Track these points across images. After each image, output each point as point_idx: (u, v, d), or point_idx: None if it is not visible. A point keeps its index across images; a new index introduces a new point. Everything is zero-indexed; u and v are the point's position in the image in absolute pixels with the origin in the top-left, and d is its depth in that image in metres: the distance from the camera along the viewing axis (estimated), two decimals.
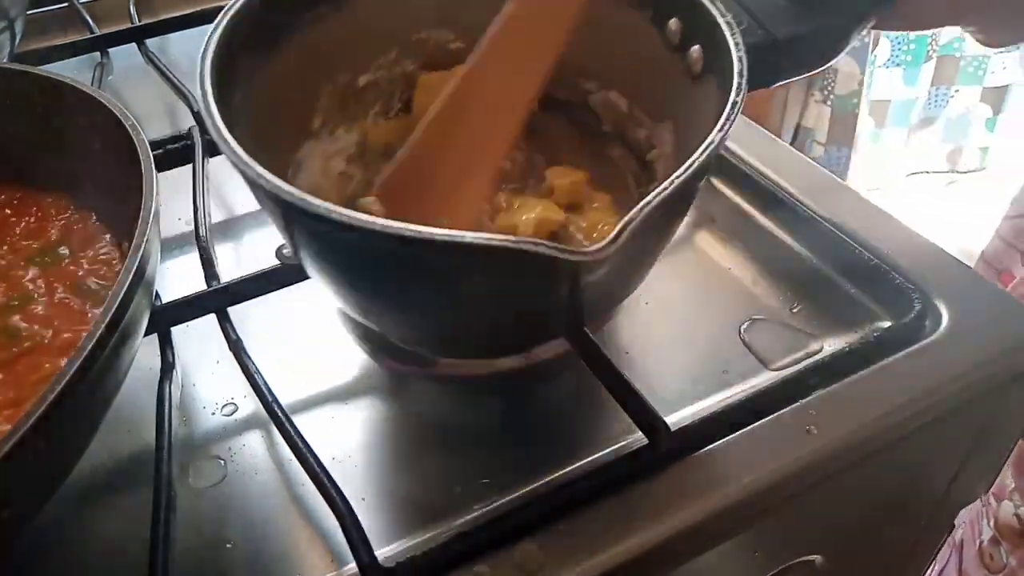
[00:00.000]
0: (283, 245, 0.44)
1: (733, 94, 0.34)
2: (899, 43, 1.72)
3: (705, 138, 0.32)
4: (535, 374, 0.42)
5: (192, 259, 0.46)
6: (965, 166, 2.02)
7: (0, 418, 0.34)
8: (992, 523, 0.63)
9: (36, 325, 0.38)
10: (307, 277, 0.43)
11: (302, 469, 0.36)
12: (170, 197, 0.47)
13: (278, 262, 0.43)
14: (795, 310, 0.45)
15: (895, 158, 1.96)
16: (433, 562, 0.33)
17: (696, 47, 0.39)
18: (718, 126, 0.33)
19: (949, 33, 1.72)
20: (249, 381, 0.39)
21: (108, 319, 0.29)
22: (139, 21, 0.68)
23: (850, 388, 0.40)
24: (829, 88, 1.80)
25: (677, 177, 0.30)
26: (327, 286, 0.37)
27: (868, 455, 0.40)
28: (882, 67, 1.78)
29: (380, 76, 0.47)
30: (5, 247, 0.42)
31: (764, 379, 0.41)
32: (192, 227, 0.46)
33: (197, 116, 0.54)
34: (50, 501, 0.32)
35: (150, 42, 0.64)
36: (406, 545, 0.35)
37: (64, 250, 0.41)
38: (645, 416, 0.37)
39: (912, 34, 1.66)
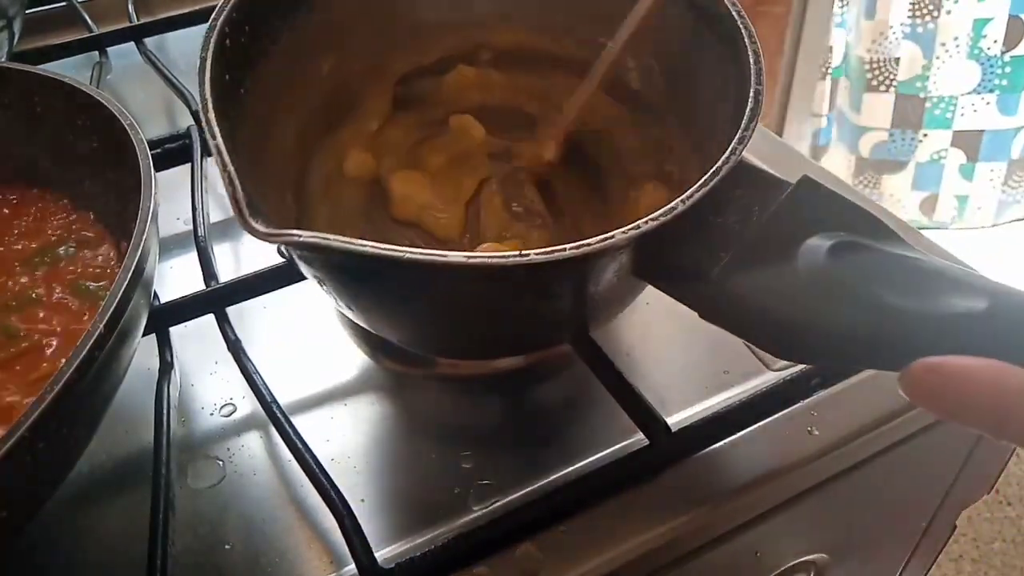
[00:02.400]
0: None
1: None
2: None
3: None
4: (535, 374, 0.42)
5: (191, 259, 0.45)
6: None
7: None
8: None
9: (34, 325, 0.38)
10: (306, 277, 0.43)
11: (301, 470, 0.35)
12: (169, 197, 0.47)
13: (276, 262, 0.43)
14: None
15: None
16: (433, 563, 0.33)
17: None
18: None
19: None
20: (248, 381, 0.39)
21: (106, 319, 0.29)
22: (137, 20, 0.67)
23: (851, 389, 0.40)
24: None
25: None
26: (350, 309, 0.37)
27: (870, 456, 0.40)
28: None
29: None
30: (3, 247, 0.42)
31: (765, 380, 0.41)
32: (191, 227, 0.46)
33: (196, 115, 0.54)
34: (49, 501, 0.32)
35: (148, 41, 0.64)
36: (405, 546, 0.35)
37: (62, 250, 0.41)
38: (646, 417, 0.36)
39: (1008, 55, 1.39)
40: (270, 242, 0.28)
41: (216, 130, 0.33)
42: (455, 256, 0.28)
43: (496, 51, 0.48)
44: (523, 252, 0.28)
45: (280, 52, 0.41)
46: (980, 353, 0.25)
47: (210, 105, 0.33)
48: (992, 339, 0.26)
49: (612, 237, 0.29)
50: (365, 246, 0.28)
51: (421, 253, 0.28)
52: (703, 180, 0.31)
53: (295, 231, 0.28)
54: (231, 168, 0.31)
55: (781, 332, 0.30)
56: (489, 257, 0.29)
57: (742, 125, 0.33)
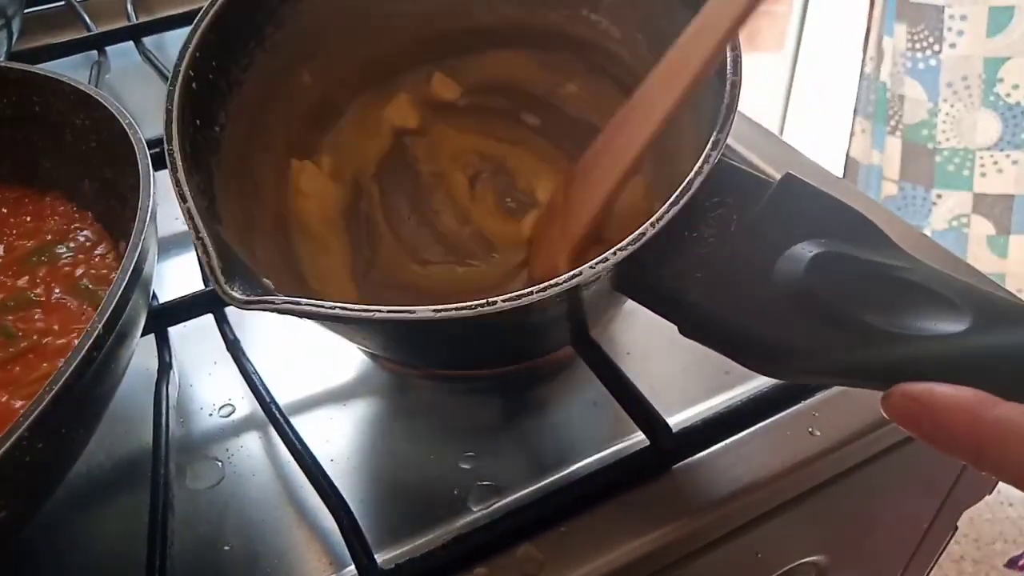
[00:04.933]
0: None
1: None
2: None
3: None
4: (535, 374, 0.42)
5: (189, 259, 0.45)
6: None
7: None
8: None
9: (33, 325, 0.37)
10: None
11: (300, 471, 0.35)
12: (167, 196, 0.47)
13: None
14: None
15: None
16: (432, 564, 0.33)
17: None
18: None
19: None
20: (247, 382, 0.39)
21: (105, 319, 0.29)
22: (136, 19, 0.67)
23: (852, 390, 0.39)
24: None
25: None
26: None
27: (870, 457, 0.39)
28: None
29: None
30: (1, 247, 0.41)
31: (766, 380, 0.41)
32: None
33: None
34: (48, 501, 0.32)
35: (147, 40, 0.64)
36: (405, 547, 0.35)
37: (61, 250, 0.41)
38: (646, 417, 0.36)
39: None
40: (248, 309, 0.29)
41: (187, 192, 0.32)
42: (423, 311, 0.28)
43: (485, 32, 0.46)
44: (490, 300, 0.28)
45: (255, 77, 0.40)
46: (960, 374, 0.25)
47: (179, 163, 0.33)
48: (970, 363, 0.26)
49: (579, 274, 0.29)
50: (335, 308, 0.28)
51: (389, 311, 0.28)
52: (673, 198, 0.30)
53: (270, 298, 0.29)
54: (204, 235, 0.30)
55: (759, 351, 0.30)
56: (456, 309, 0.28)
57: (717, 127, 0.31)
